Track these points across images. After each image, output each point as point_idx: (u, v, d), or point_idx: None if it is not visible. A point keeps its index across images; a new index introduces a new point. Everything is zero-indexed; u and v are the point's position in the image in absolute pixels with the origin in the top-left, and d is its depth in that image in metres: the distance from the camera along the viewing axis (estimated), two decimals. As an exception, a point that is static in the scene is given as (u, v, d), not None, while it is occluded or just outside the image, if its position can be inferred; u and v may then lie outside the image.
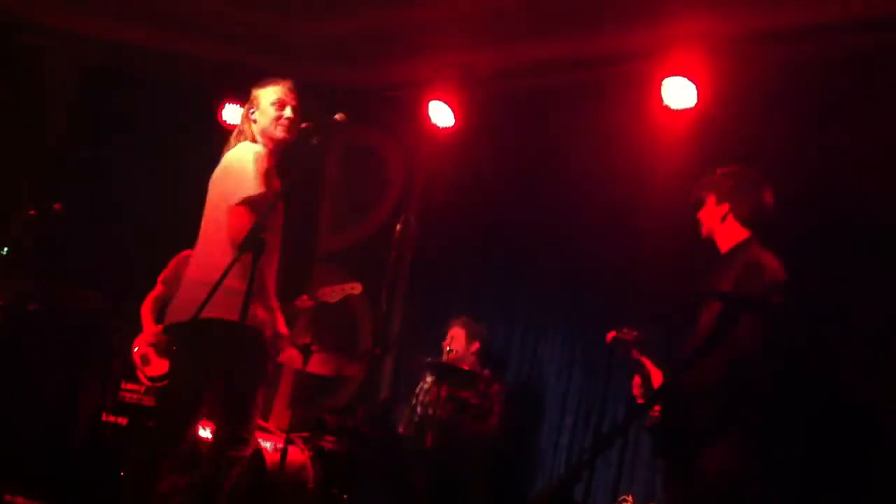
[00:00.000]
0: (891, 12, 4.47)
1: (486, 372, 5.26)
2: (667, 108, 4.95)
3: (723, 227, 3.62)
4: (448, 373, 5.15)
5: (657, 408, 3.56)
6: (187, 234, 5.50)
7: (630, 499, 4.57)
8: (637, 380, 3.69)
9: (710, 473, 3.30)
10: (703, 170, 3.79)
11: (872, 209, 4.29)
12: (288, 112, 3.74)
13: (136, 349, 5.13)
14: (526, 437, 5.36)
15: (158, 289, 5.30)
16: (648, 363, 3.70)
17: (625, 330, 3.88)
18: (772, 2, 4.83)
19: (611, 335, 3.90)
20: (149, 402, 5.22)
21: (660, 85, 4.92)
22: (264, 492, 4.39)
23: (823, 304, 4.27)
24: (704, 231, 3.68)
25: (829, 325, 4.24)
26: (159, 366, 5.06)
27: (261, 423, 4.73)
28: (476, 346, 5.37)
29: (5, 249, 5.40)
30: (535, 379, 5.49)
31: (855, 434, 4.04)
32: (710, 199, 3.64)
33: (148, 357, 5.10)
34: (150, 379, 5.07)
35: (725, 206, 3.63)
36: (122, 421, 5.25)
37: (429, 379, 5.34)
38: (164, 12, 6.09)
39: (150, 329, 5.16)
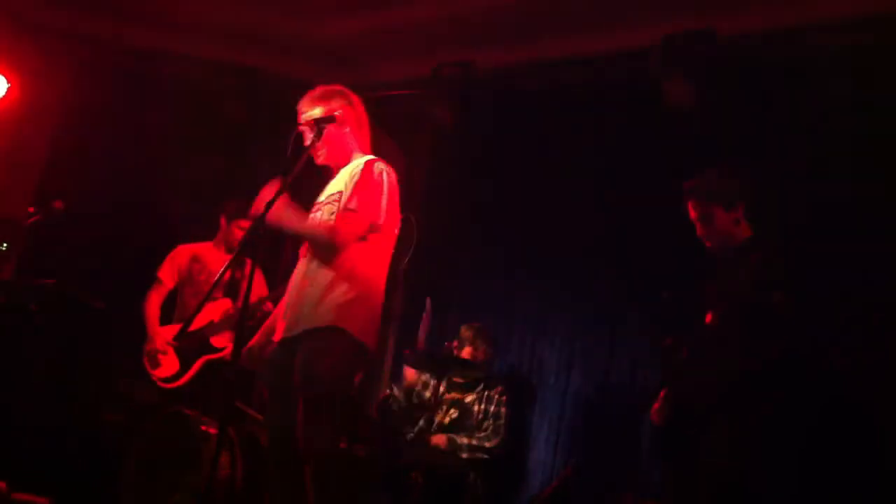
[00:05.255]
0: (889, 10, 4.48)
1: (495, 378, 5.27)
2: (667, 107, 4.97)
3: (735, 229, 3.62)
4: (452, 369, 5.15)
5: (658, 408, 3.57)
6: (185, 230, 5.55)
7: (629, 496, 4.58)
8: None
9: (714, 469, 3.31)
10: (682, 182, 3.75)
11: (872, 207, 4.29)
12: None
13: (145, 352, 5.13)
14: (525, 436, 5.36)
15: (161, 286, 5.31)
16: None
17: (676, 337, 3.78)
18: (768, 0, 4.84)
19: (669, 340, 3.75)
20: (148, 398, 5.22)
21: (660, 84, 4.94)
22: (260, 484, 4.39)
23: (822, 303, 4.28)
24: (718, 243, 3.63)
25: (829, 325, 4.25)
26: (168, 366, 5.06)
27: (257, 416, 4.73)
28: (482, 352, 5.26)
29: (4, 245, 5.40)
30: (534, 378, 5.49)
31: (854, 433, 4.05)
32: (718, 210, 3.62)
33: (157, 359, 5.08)
34: (162, 380, 5.05)
35: (739, 210, 3.61)
36: (120, 417, 5.25)
37: (426, 376, 5.34)
38: (164, 12, 6.10)
39: (156, 331, 5.15)
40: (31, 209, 5.28)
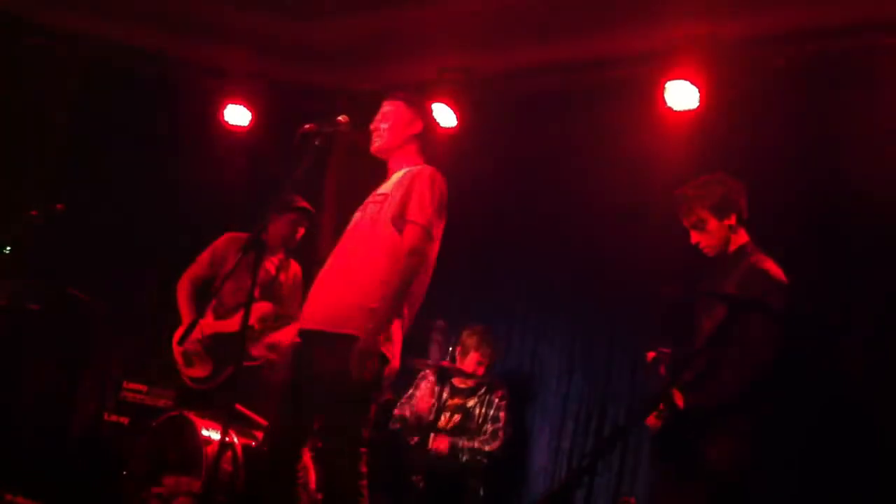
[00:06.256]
0: (892, 14, 4.49)
1: (496, 382, 5.26)
2: (669, 110, 4.98)
3: (729, 236, 3.61)
4: (452, 376, 5.15)
5: (653, 420, 3.58)
6: (188, 232, 5.56)
7: (633, 501, 4.58)
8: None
9: (716, 468, 3.32)
10: (675, 189, 3.73)
11: (872, 210, 4.30)
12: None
13: (177, 345, 4.87)
14: (526, 440, 5.36)
15: (195, 268, 5.00)
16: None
17: (661, 350, 3.80)
18: (773, 5, 4.84)
19: (651, 355, 3.78)
20: (151, 402, 5.19)
21: (662, 88, 4.95)
22: (261, 488, 4.38)
23: (823, 305, 4.29)
24: (714, 251, 3.63)
25: (829, 326, 4.26)
26: (202, 367, 4.83)
27: (261, 421, 4.71)
28: (487, 356, 5.22)
29: (7, 248, 5.40)
30: (535, 382, 5.48)
31: (854, 433, 4.05)
32: (710, 217, 3.60)
33: (191, 357, 4.84)
34: (193, 380, 4.83)
35: (732, 217, 3.60)
36: (124, 420, 5.23)
37: (429, 380, 5.34)
38: (165, 13, 6.11)
39: (189, 318, 4.82)
40: (34, 211, 5.27)
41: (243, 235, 5.01)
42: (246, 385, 4.69)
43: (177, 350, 4.86)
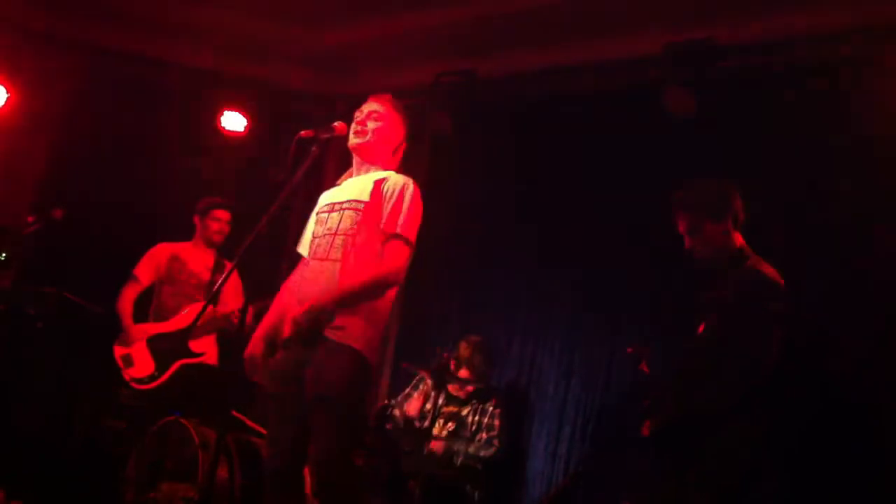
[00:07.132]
0: (889, 20, 4.50)
1: (491, 390, 5.26)
2: (667, 115, 4.99)
3: (725, 240, 3.61)
4: (448, 382, 5.14)
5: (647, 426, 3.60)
6: (185, 236, 5.57)
7: (629, 504, 4.57)
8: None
9: (715, 471, 3.32)
10: (668, 195, 3.74)
11: (872, 213, 4.30)
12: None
13: (117, 350, 5.17)
14: (523, 446, 5.35)
15: (137, 283, 5.36)
16: None
17: (640, 346, 3.90)
18: (771, 9, 4.85)
19: (631, 350, 3.94)
20: (148, 406, 5.20)
21: (659, 92, 4.95)
22: (259, 495, 4.38)
23: (822, 307, 4.28)
24: (708, 254, 3.63)
25: (828, 328, 4.25)
26: (143, 367, 5.09)
27: (256, 427, 4.72)
28: (481, 368, 5.22)
29: (3, 255, 5.40)
30: (532, 388, 5.48)
31: (854, 435, 4.05)
32: (706, 222, 3.61)
33: (130, 358, 5.12)
34: (136, 381, 5.08)
35: (727, 222, 3.61)
36: (121, 424, 5.24)
37: (426, 384, 5.34)
38: (163, 19, 6.12)
39: (132, 328, 5.21)
40: (31, 218, 5.30)
41: (174, 244, 5.50)
42: (193, 383, 5.05)
43: (117, 353, 5.16)
